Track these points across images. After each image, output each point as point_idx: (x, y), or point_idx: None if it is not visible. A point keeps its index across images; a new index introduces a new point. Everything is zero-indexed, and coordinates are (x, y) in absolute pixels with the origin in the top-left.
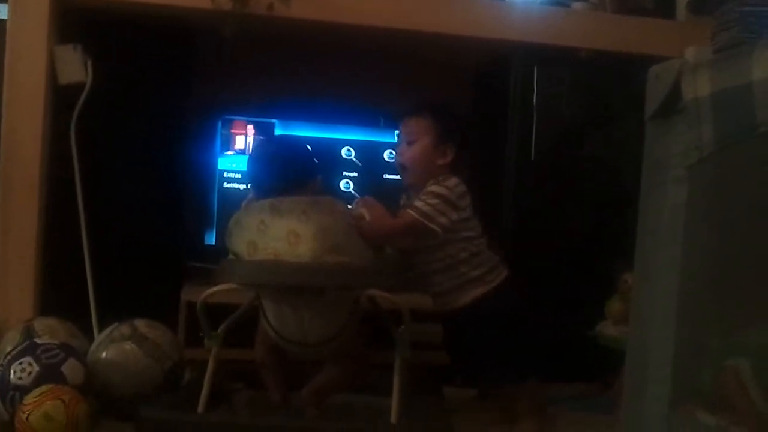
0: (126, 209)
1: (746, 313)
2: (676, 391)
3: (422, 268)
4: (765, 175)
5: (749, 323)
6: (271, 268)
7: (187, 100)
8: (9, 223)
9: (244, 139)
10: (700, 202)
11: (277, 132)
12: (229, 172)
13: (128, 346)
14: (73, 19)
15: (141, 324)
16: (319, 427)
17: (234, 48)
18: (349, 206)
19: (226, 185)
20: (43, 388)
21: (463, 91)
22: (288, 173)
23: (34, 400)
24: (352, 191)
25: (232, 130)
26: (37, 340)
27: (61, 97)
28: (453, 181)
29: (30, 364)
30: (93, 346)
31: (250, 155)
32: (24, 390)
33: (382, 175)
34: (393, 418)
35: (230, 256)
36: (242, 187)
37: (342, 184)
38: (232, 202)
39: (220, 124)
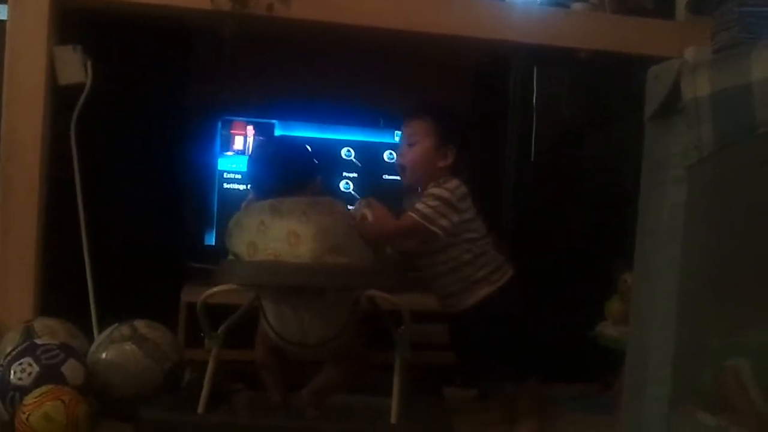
0: (126, 210)
1: (746, 313)
2: (676, 391)
3: (428, 270)
4: (764, 175)
5: (749, 323)
6: (271, 269)
7: (186, 101)
8: (9, 224)
9: (244, 139)
10: (699, 203)
11: (277, 132)
12: (228, 172)
13: (128, 346)
14: (73, 19)
15: (141, 325)
16: (319, 427)
17: (234, 48)
18: (349, 207)
19: (225, 186)
20: (43, 388)
21: (463, 91)
22: (288, 174)
23: (34, 400)
24: (352, 192)
25: (232, 131)
26: (37, 341)
27: (60, 97)
28: (454, 183)
29: (30, 365)
30: (93, 347)
31: (250, 156)
32: (24, 390)
33: (382, 176)
34: (393, 419)
35: (230, 257)
36: (242, 187)
37: (342, 185)
38: (231, 202)
39: (219, 124)
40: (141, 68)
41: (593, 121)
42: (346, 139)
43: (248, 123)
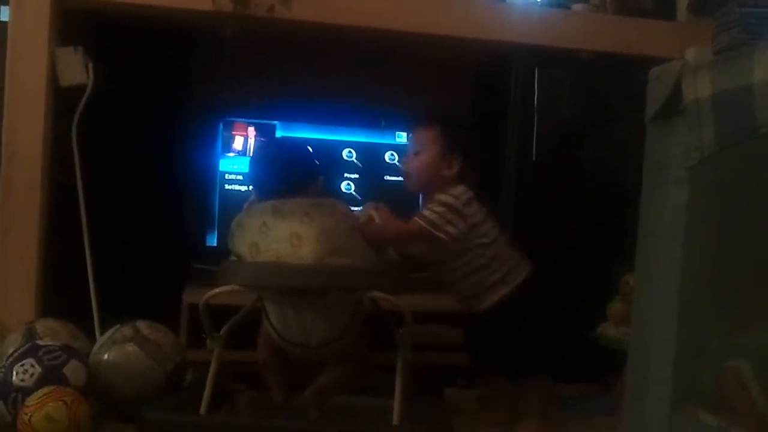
0: (127, 211)
1: (747, 314)
2: (678, 392)
3: (446, 276)
4: (765, 176)
5: (750, 324)
6: (273, 270)
7: (188, 102)
8: (10, 225)
9: (245, 140)
10: (700, 204)
11: (278, 134)
12: (230, 173)
13: (130, 347)
14: (74, 21)
15: (143, 326)
16: (321, 428)
17: (235, 50)
18: (352, 208)
19: (227, 187)
20: (45, 389)
21: (464, 92)
22: (289, 175)
23: (36, 401)
24: (353, 193)
25: (233, 132)
26: (39, 342)
27: (62, 99)
28: (459, 189)
29: (32, 366)
30: (95, 348)
31: (251, 157)
32: (26, 391)
33: (383, 177)
34: (395, 420)
35: (232, 258)
36: (243, 188)
37: (343, 186)
38: (233, 203)
39: (221, 125)
40: (142, 69)
41: (594, 122)
42: (348, 140)
43: (249, 124)
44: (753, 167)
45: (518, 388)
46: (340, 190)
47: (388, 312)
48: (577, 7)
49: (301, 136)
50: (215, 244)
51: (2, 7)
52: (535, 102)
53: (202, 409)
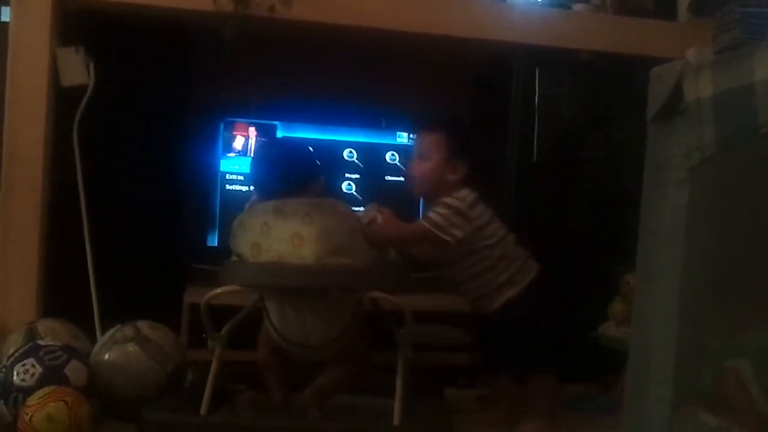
0: (128, 211)
1: (747, 314)
2: (678, 392)
3: (454, 278)
4: (766, 176)
5: (750, 324)
6: (274, 270)
7: (188, 102)
8: (11, 225)
9: (246, 141)
10: (701, 204)
11: (279, 134)
12: (231, 174)
13: (131, 347)
14: (75, 21)
15: (144, 326)
16: (321, 428)
17: (235, 50)
18: (354, 208)
19: (228, 187)
20: (46, 389)
21: (465, 92)
22: (290, 175)
23: (37, 401)
24: (354, 193)
25: (234, 132)
26: (40, 342)
27: (63, 99)
28: (464, 191)
29: (33, 366)
30: (96, 348)
31: (253, 157)
32: (27, 391)
33: (384, 177)
34: (395, 420)
35: (234, 258)
36: (244, 189)
37: (344, 186)
38: (234, 204)
39: (221, 126)
40: (143, 70)
41: (595, 122)
42: (348, 140)
43: (250, 124)
44: (754, 167)
45: (524, 387)
46: (341, 190)
47: (388, 312)
48: (577, 7)
49: (302, 137)
50: (216, 245)
51: (3, 7)
52: (536, 102)
53: (203, 409)
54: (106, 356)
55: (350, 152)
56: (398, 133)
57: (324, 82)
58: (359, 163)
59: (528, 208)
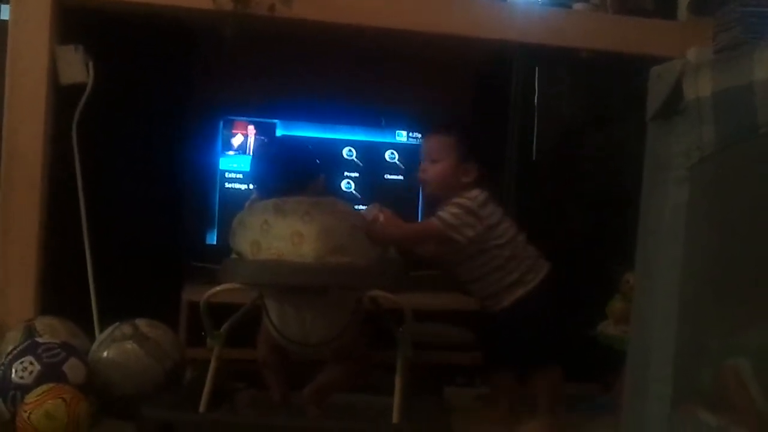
0: (127, 209)
1: (747, 312)
2: (678, 390)
3: (464, 277)
4: (766, 175)
5: (750, 323)
6: (274, 268)
7: (188, 101)
8: (10, 223)
9: (245, 139)
10: (701, 203)
11: (279, 132)
12: (230, 172)
13: (129, 345)
14: (75, 19)
15: (142, 323)
16: (320, 426)
17: (235, 48)
18: (356, 207)
19: (227, 185)
20: (45, 387)
21: (464, 91)
22: (290, 174)
23: (36, 399)
24: (354, 191)
25: (233, 130)
26: (39, 340)
27: (62, 97)
28: (475, 191)
29: (31, 363)
30: (94, 346)
31: (253, 155)
32: (25, 389)
33: (384, 176)
34: (395, 418)
35: (233, 256)
36: (243, 187)
37: (343, 185)
38: (233, 202)
39: (221, 124)
40: (143, 68)
41: (594, 121)
42: (348, 139)
43: (249, 123)
44: (754, 166)
45: (525, 386)
46: (340, 188)
47: (388, 310)
48: (577, 6)
49: (302, 135)
50: (215, 243)
51: (3, 5)
52: (536, 101)
53: (202, 407)
54: (105, 354)
55: (349, 151)
56: (398, 131)
57: (323, 80)
58: (358, 161)
59: (527, 206)
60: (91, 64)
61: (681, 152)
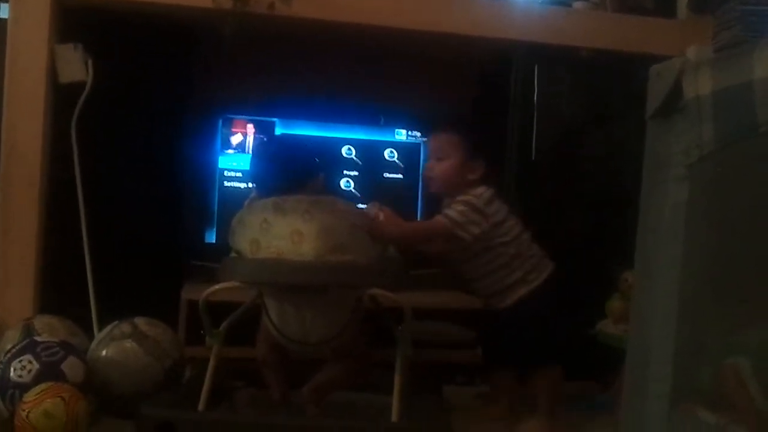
0: (126, 208)
1: (746, 311)
2: (677, 389)
3: (467, 275)
4: (765, 173)
5: (749, 322)
6: (273, 267)
7: (187, 99)
8: (9, 222)
9: (245, 137)
10: (700, 201)
11: (278, 131)
12: (229, 170)
13: (128, 344)
14: (74, 18)
15: (141, 322)
16: (319, 425)
17: (234, 47)
18: (359, 206)
19: (226, 184)
20: (43, 385)
21: (464, 89)
22: (289, 172)
23: (34, 397)
24: (353, 190)
25: (233, 129)
26: (37, 338)
27: (61, 95)
28: (480, 188)
29: (30, 362)
30: (93, 344)
31: (252, 154)
32: (24, 388)
33: (383, 174)
34: (394, 417)
35: (233, 254)
36: (243, 185)
37: (342, 183)
38: (232, 200)
39: (220, 122)
40: (142, 66)
41: (594, 119)
42: (347, 138)
43: (249, 121)
44: (753, 165)
45: (525, 385)
46: (340, 187)
47: (387, 309)
48: (577, 4)
49: (301, 133)
50: (214, 241)
51: (2, 4)
52: (535, 100)
53: (201, 406)
54: (104, 352)
55: (349, 149)
56: (397, 130)
57: (322, 79)
58: (358, 160)
59: (527, 205)
60: (90, 63)
61: (681, 151)
